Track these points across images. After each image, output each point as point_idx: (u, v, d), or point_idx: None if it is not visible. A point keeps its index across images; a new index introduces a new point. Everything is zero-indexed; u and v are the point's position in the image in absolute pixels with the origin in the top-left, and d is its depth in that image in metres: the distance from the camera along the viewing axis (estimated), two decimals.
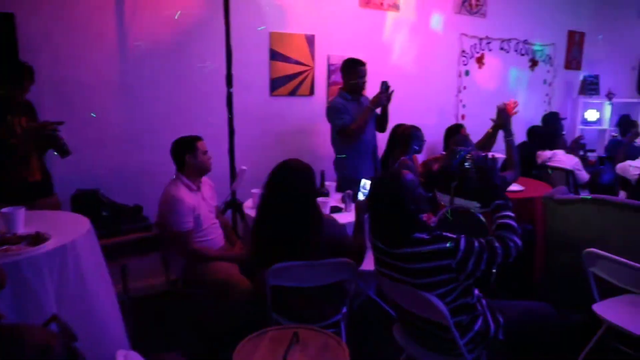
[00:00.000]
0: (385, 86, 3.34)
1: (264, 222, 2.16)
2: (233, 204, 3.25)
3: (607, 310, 2.27)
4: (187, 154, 2.64)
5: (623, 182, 3.65)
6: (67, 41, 2.92)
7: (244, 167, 3.10)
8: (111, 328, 1.99)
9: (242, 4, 3.40)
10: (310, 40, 3.83)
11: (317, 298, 2.21)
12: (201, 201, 2.70)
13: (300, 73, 3.83)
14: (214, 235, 2.78)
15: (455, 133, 4.09)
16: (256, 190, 2.76)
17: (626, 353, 2.40)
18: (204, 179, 2.81)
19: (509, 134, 2.89)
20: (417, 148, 3.59)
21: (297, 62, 3.80)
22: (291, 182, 2.08)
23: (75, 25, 2.93)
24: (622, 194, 3.28)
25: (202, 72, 3.36)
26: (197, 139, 2.69)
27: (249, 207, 2.99)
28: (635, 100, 5.87)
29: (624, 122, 5.07)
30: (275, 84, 3.74)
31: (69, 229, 1.93)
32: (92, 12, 2.97)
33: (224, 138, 3.23)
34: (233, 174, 3.28)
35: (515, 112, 3.02)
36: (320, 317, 2.20)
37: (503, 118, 2.99)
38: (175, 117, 3.30)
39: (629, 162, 3.92)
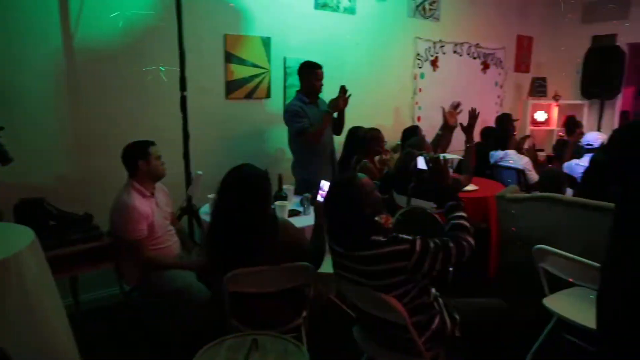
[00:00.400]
0: (343, 90, 3.36)
1: (218, 229, 2.12)
2: (189, 210, 3.18)
3: (557, 303, 2.36)
4: (139, 160, 2.55)
5: (570, 180, 3.82)
6: (8, 43, 2.77)
7: (199, 172, 3.03)
8: (59, 344, 1.89)
9: (195, 5, 3.33)
10: (266, 42, 3.80)
11: (277, 303, 2.18)
12: (155, 208, 2.62)
13: (256, 76, 3.79)
14: (169, 242, 2.70)
15: (412, 134, 4.16)
16: (212, 196, 2.70)
17: (574, 343, 2.50)
18: (158, 185, 2.73)
19: (470, 141, 2.97)
20: (379, 150, 3.63)
21: (254, 65, 3.76)
22: (244, 186, 2.05)
23: (16, 27, 2.79)
24: (569, 192, 3.42)
25: (154, 75, 3.27)
26: (150, 143, 2.61)
27: (205, 213, 2.93)
28: (579, 102, 6.17)
29: (569, 123, 5.31)
30: (231, 87, 3.68)
31: (11, 242, 1.82)
32: (35, 13, 2.83)
33: (179, 142, 3.16)
34: (188, 179, 3.20)
35: (459, 112, 3.11)
36: (279, 322, 2.18)
37: (470, 124, 3.08)
38: (126, 121, 3.19)
39: (575, 161, 4.11)
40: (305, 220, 2.78)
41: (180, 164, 3.17)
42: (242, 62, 3.70)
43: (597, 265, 1.93)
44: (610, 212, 1.74)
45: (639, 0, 5.67)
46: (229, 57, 3.64)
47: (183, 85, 3.10)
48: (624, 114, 6.29)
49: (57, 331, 1.90)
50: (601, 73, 5.90)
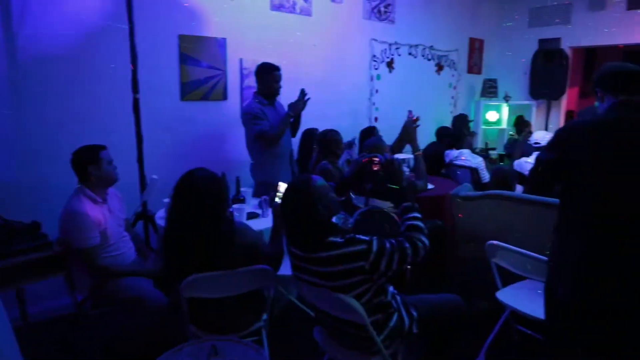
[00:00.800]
0: (303, 94, 3.38)
1: (173, 234, 2.08)
2: (144, 215, 3.09)
3: (509, 296, 2.45)
4: (89, 165, 2.47)
5: (520, 177, 3.97)
6: None
7: (154, 176, 2.96)
8: (4, 358, 1.80)
9: (147, 5, 3.25)
10: (221, 43, 3.76)
11: (236, 307, 2.16)
12: (108, 214, 2.53)
13: (212, 77, 3.74)
14: (124, 249, 2.62)
15: (369, 135, 4.22)
16: (168, 200, 2.64)
17: (526, 333, 2.61)
18: (111, 190, 2.64)
19: (416, 149, 3.03)
20: (338, 152, 3.65)
21: (209, 66, 3.71)
22: (197, 192, 2.02)
23: None
24: (519, 189, 3.56)
25: (105, 76, 3.17)
26: (101, 148, 2.53)
27: (161, 218, 2.86)
28: (528, 102, 6.44)
29: (519, 122, 5.54)
30: (187, 89, 3.61)
31: None
32: None
33: (132, 146, 3.07)
34: (143, 183, 3.12)
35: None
36: (240, 326, 2.16)
37: (409, 134, 3.13)
38: (75, 125, 3.07)
39: (524, 159, 4.28)
40: (264, 223, 2.76)
41: (134, 168, 3.08)
42: (197, 63, 3.64)
43: (545, 258, 2.02)
44: (555, 208, 1.83)
45: (580, 6, 5.98)
46: (184, 58, 3.57)
47: (135, 87, 3.01)
48: (569, 114, 6.61)
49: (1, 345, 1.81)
50: (547, 75, 6.18)
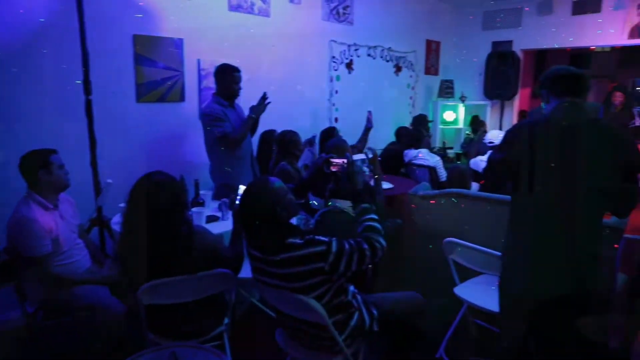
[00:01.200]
0: (264, 97, 3.39)
1: (129, 239, 2.03)
2: (99, 221, 3.00)
3: (466, 291, 2.53)
4: (39, 170, 2.36)
5: (476, 175, 4.09)
6: None
7: (109, 181, 2.87)
8: None
9: (99, 4, 3.15)
10: (178, 44, 3.69)
11: (196, 312, 2.12)
12: (59, 220, 2.44)
13: (169, 78, 3.67)
14: (78, 257, 2.53)
15: (329, 136, 4.25)
16: (125, 205, 2.57)
17: (483, 327, 2.69)
18: (62, 195, 2.54)
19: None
20: (297, 153, 3.65)
21: (166, 67, 3.64)
22: (153, 197, 1.97)
23: None
24: (475, 187, 3.67)
25: (56, 77, 3.05)
26: (51, 152, 2.43)
27: (117, 223, 2.78)
28: (483, 102, 6.65)
29: (474, 122, 5.71)
30: (143, 90, 3.53)
31: None
32: None
33: (85, 149, 2.97)
34: (97, 188, 3.02)
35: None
36: (201, 331, 2.13)
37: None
38: (23, 128, 2.94)
39: (479, 157, 4.42)
40: (224, 226, 2.73)
41: (87, 173, 2.98)
42: (153, 64, 3.56)
43: (499, 254, 2.10)
44: (508, 205, 1.90)
45: (530, 11, 6.23)
46: (139, 59, 3.48)
47: (88, 89, 2.91)
48: (522, 113, 6.87)
49: None
50: (500, 76, 6.40)
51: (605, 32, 5.50)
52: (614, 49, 6.33)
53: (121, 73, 3.42)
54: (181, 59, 3.73)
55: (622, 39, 5.40)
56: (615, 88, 5.12)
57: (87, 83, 2.91)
